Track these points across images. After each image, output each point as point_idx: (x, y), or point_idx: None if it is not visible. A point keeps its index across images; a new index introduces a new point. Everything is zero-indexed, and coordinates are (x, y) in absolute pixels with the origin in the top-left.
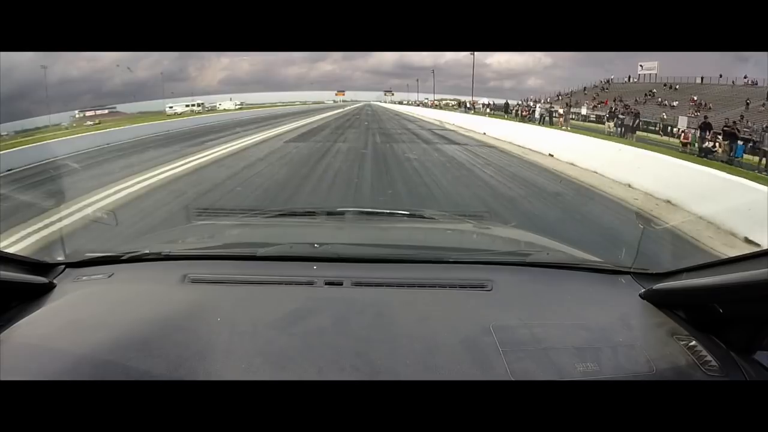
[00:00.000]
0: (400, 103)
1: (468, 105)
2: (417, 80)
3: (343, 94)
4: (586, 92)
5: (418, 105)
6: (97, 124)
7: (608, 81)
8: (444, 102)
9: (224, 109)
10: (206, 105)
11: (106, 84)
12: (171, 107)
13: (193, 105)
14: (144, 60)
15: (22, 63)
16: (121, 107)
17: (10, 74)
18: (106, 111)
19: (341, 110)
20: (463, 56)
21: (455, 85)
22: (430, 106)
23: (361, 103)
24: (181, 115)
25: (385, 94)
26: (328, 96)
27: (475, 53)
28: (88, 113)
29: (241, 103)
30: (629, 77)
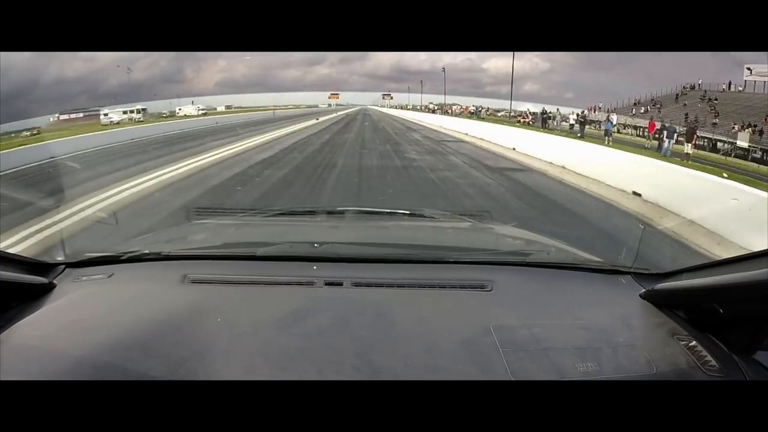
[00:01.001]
0: (403, 107)
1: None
2: (421, 81)
3: (337, 97)
4: (684, 104)
5: (434, 111)
6: (35, 134)
7: (693, 87)
8: (482, 110)
9: (185, 116)
10: (152, 110)
11: (102, 85)
12: (106, 115)
13: (132, 112)
14: (141, 61)
15: (18, 63)
16: (106, 110)
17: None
18: (81, 115)
19: (314, 122)
20: (459, 61)
21: (452, 89)
22: (457, 114)
23: (356, 108)
24: (118, 124)
25: (384, 98)
26: (323, 98)
27: (483, 54)
28: (62, 117)
29: (206, 109)
30: (729, 84)
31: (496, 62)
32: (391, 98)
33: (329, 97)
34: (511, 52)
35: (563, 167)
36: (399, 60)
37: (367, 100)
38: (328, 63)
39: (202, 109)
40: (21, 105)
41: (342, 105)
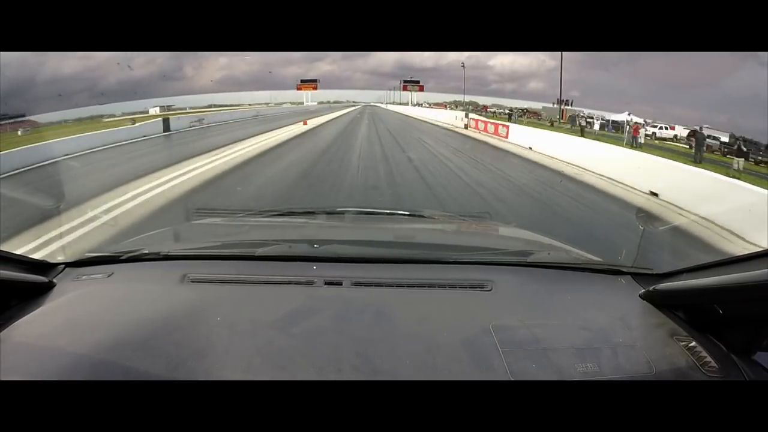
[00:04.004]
0: (442, 105)
1: None
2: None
3: (314, 88)
4: None
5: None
6: None
7: None
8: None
9: None
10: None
11: (102, 82)
12: None
13: None
14: (138, 59)
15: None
16: (39, 117)
17: None
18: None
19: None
20: (465, 58)
21: (457, 86)
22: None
23: (348, 110)
24: None
25: (406, 88)
26: (322, 96)
27: (484, 53)
28: None
29: None
30: None
31: (502, 60)
32: (420, 89)
33: (299, 87)
34: (512, 52)
35: None
36: (402, 57)
37: (371, 97)
38: (331, 60)
39: None
40: (19, 103)
41: (339, 102)
